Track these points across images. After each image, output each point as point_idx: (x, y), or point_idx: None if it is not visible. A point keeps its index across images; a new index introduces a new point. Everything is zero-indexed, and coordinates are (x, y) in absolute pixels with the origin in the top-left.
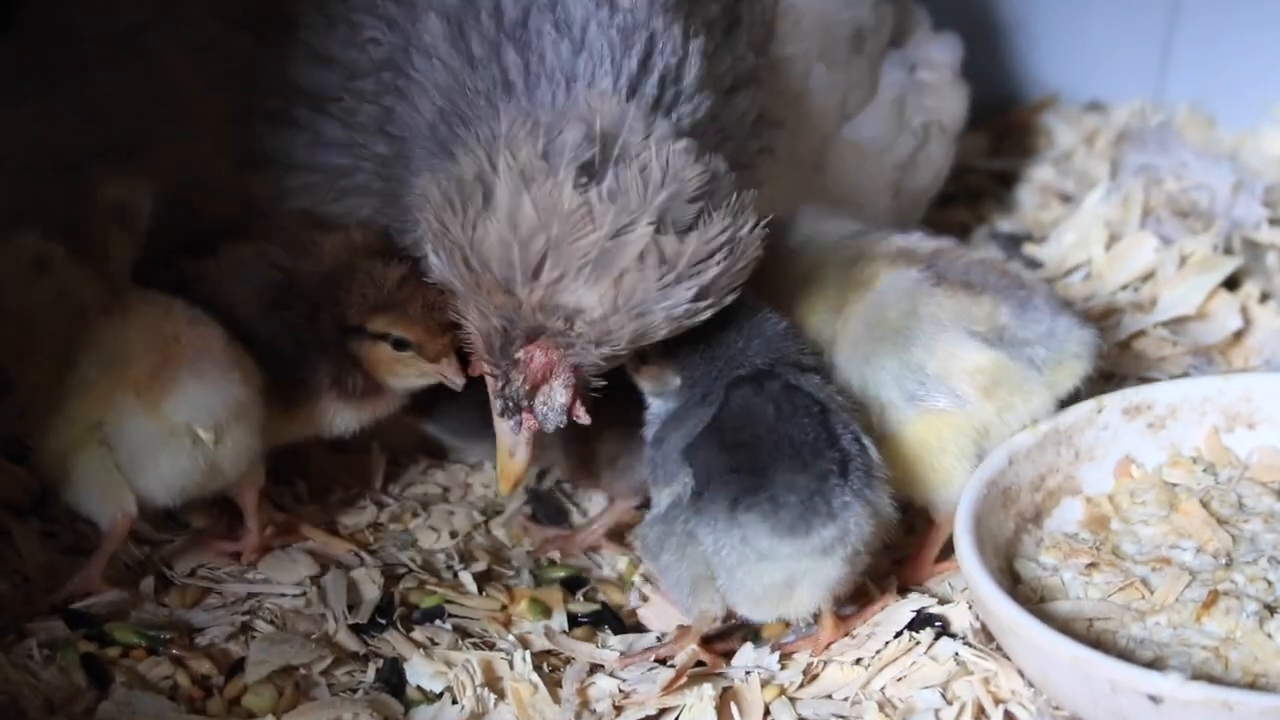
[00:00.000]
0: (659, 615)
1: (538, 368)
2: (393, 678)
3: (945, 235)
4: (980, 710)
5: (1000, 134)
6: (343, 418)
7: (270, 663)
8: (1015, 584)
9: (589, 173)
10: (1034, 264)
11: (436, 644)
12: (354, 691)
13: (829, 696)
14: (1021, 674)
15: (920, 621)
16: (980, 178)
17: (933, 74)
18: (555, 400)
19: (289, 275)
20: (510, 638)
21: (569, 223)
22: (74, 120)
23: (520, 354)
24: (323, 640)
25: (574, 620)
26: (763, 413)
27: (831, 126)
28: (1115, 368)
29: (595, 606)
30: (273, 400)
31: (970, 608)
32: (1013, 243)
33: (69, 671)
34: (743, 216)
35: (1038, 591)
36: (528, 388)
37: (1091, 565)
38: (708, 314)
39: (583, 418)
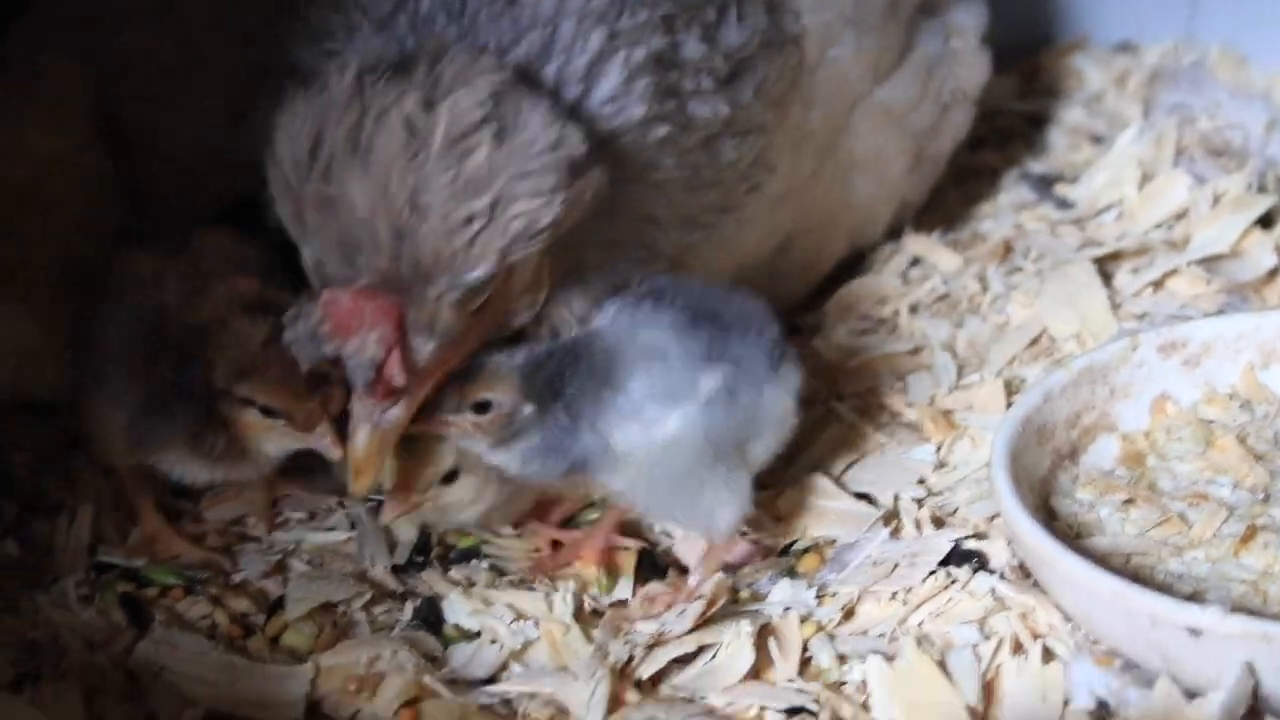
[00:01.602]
0: (693, 549)
1: (344, 312)
2: (430, 616)
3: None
4: (1018, 645)
5: (1030, 76)
6: (193, 471)
7: (310, 599)
8: (1051, 520)
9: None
10: (1065, 204)
11: (474, 583)
12: (392, 629)
13: (865, 633)
14: (1059, 609)
15: (957, 556)
16: (1010, 119)
17: (960, 41)
18: (365, 353)
19: (164, 317)
20: (546, 580)
21: (338, 106)
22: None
23: (326, 295)
24: (360, 578)
25: None
26: (710, 295)
27: (862, 90)
28: (1149, 306)
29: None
30: (125, 437)
31: (1008, 543)
32: (1044, 184)
33: (108, 611)
34: (513, 108)
35: (1074, 528)
36: (328, 331)
37: (1128, 501)
38: (507, 247)
39: (397, 378)
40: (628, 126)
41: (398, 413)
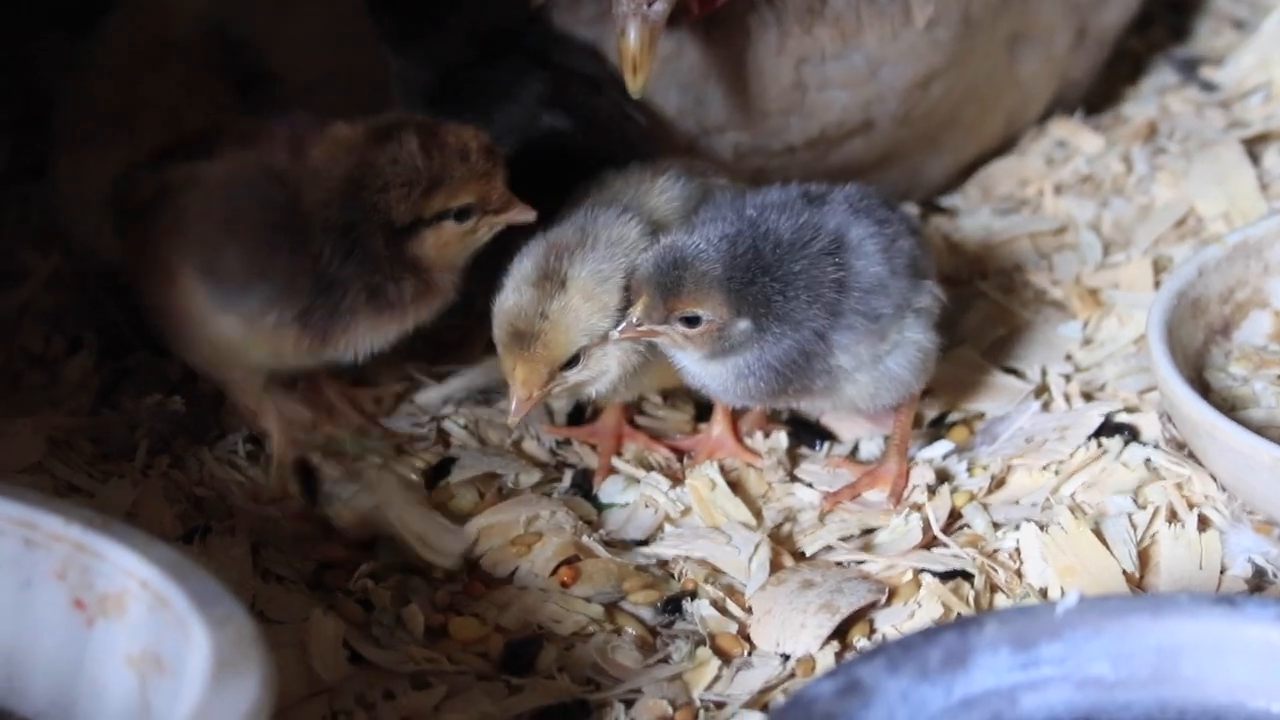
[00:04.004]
0: (841, 420)
1: None
2: (586, 484)
3: None
4: (1173, 514)
5: None
6: (380, 336)
7: (474, 467)
8: (1205, 393)
9: None
10: (1210, 87)
11: (625, 459)
12: (549, 496)
13: (1017, 502)
14: (1215, 479)
15: (1108, 429)
16: (1150, 4)
17: None
18: None
19: (294, 194)
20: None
21: None
22: None
23: None
24: (518, 449)
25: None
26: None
27: None
28: None
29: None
30: (294, 332)
31: (1159, 417)
32: (1187, 67)
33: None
34: None
35: (1228, 401)
36: None
37: None
38: None
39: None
40: None
41: (660, 6)
